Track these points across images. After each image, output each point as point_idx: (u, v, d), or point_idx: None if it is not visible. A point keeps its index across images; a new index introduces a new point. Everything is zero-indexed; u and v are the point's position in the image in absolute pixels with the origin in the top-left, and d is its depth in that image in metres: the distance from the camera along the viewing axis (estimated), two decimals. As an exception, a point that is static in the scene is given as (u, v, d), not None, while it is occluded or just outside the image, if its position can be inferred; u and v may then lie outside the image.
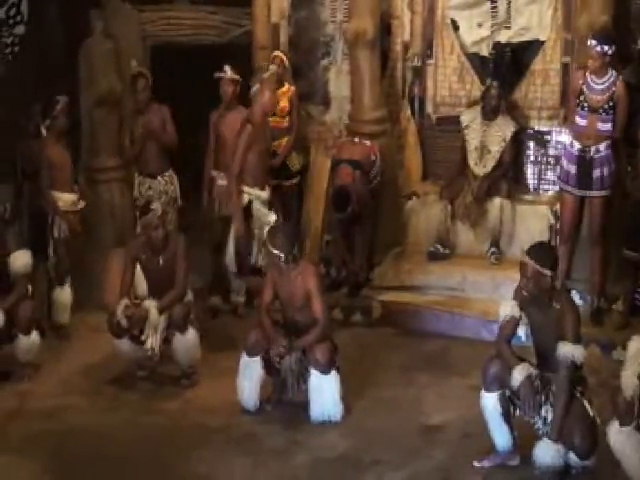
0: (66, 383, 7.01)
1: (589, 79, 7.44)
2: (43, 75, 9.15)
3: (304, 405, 6.39)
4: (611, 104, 7.38)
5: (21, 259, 7.09)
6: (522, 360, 5.61)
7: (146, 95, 8.43)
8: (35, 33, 9.23)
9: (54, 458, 5.93)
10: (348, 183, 8.13)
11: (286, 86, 8.90)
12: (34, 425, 6.36)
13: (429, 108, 9.13)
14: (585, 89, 7.43)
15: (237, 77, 8.39)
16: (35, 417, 6.47)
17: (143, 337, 6.91)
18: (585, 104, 7.42)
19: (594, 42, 7.34)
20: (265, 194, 8.00)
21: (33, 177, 8.50)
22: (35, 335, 7.07)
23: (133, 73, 8.51)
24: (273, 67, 8.47)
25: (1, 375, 6.96)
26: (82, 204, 8.09)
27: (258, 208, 7.92)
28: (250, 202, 7.90)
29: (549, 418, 5.54)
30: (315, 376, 6.35)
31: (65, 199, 7.93)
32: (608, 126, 7.42)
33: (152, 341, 6.91)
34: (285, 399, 6.56)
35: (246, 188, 7.88)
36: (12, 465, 5.86)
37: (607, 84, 7.42)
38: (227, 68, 8.37)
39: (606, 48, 7.31)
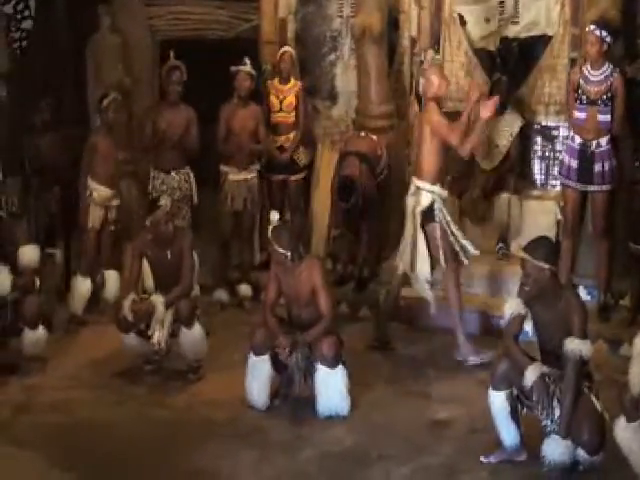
0: (73, 377, 7.02)
1: (586, 71, 7.46)
2: (51, 70, 9.17)
3: (311, 400, 6.39)
4: (609, 95, 7.39)
5: (29, 254, 7.12)
6: (532, 358, 5.60)
7: (178, 89, 8.37)
8: (42, 28, 9.25)
9: (61, 451, 5.93)
10: (354, 174, 8.14)
11: (292, 81, 8.90)
12: (41, 419, 6.37)
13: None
14: (582, 82, 7.45)
15: (254, 71, 8.39)
16: (42, 411, 6.48)
17: (150, 332, 6.93)
18: (583, 97, 7.43)
19: (593, 26, 7.37)
20: (445, 193, 7.31)
21: (41, 171, 8.54)
22: (41, 329, 7.09)
23: (171, 65, 8.44)
24: (430, 53, 7.85)
25: (8, 369, 6.97)
26: (117, 202, 8.14)
27: (440, 208, 7.23)
28: (432, 202, 7.22)
29: (557, 414, 5.53)
30: (322, 371, 6.35)
31: (101, 192, 8.00)
32: (607, 118, 7.43)
33: (158, 335, 6.92)
34: (292, 394, 6.56)
35: (427, 186, 7.20)
36: (19, 458, 5.87)
37: (604, 75, 7.43)
38: (247, 61, 8.35)
39: (604, 34, 7.32)
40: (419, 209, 7.23)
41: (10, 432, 6.23)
